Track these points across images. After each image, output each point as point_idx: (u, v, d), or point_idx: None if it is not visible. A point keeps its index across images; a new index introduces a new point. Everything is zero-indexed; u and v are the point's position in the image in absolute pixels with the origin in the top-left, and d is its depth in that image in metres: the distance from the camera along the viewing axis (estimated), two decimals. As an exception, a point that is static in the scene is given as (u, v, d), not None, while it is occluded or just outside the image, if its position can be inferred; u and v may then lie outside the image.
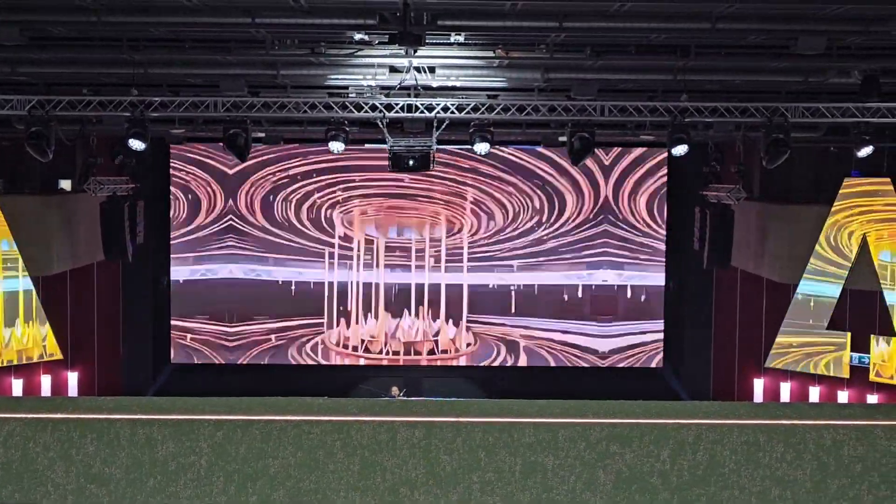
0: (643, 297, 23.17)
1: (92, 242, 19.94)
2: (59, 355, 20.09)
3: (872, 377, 19.08)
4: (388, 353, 23.24)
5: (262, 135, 19.85)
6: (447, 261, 23.09)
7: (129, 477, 6.62)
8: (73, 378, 20.69)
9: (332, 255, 23.01)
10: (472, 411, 6.77)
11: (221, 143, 17.14)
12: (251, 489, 6.59)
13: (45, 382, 20.16)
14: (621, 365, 23.25)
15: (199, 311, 23.07)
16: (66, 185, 20.78)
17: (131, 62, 14.50)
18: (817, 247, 19.62)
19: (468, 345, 23.27)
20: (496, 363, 23.30)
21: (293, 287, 23.09)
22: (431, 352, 23.23)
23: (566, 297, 23.15)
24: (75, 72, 15.34)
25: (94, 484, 6.64)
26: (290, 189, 22.75)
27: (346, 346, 23.22)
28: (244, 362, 23.13)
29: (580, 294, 23.15)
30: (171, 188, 22.71)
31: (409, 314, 23.19)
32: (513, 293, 23.18)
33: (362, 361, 23.28)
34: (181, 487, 6.64)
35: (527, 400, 6.99)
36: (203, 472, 6.61)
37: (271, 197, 22.77)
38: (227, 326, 23.08)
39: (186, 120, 18.09)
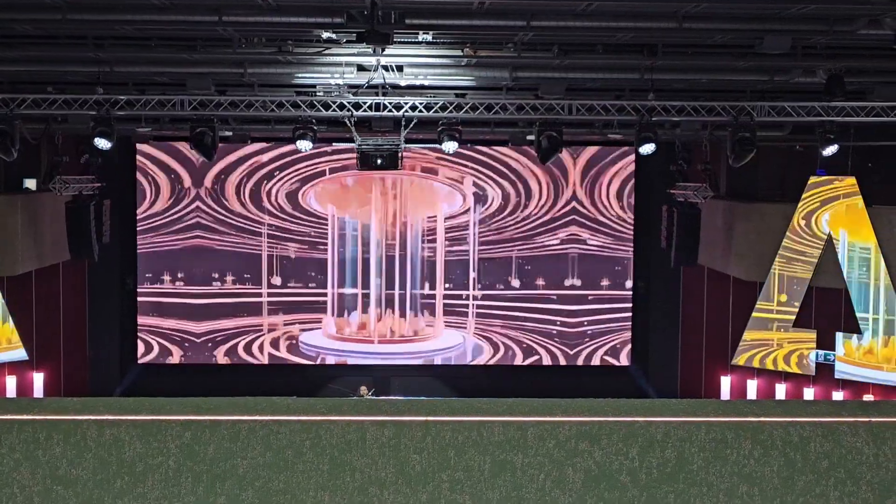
0: (611, 296, 23.25)
1: (57, 242, 19.80)
2: (24, 355, 19.92)
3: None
4: (361, 347, 23.20)
5: (230, 133, 19.78)
6: (407, 257, 23.08)
7: (96, 478, 6.57)
8: (38, 379, 20.53)
9: (300, 250, 22.95)
10: (442, 410, 6.75)
11: (188, 142, 17.06)
12: (220, 489, 6.56)
13: (11, 383, 19.97)
14: (589, 363, 23.32)
15: (168, 308, 22.94)
16: (31, 184, 20.62)
17: (97, 60, 14.41)
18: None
19: (443, 349, 23.27)
20: (465, 357, 23.31)
21: (261, 284, 23.00)
22: (406, 341, 23.24)
23: (533, 295, 23.18)
24: (40, 70, 15.23)
25: (61, 485, 6.58)
26: (258, 185, 22.65)
27: (323, 340, 23.18)
28: (212, 362, 23.03)
29: (547, 292, 23.19)
30: (138, 187, 22.57)
31: (382, 306, 23.17)
32: (479, 291, 23.19)
33: (332, 360, 23.22)
34: (149, 488, 6.59)
35: (496, 398, 6.98)
36: (171, 472, 6.56)
37: (239, 194, 22.67)
38: (195, 325, 22.96)
39: (153, 118, 18.01)
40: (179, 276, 22.84)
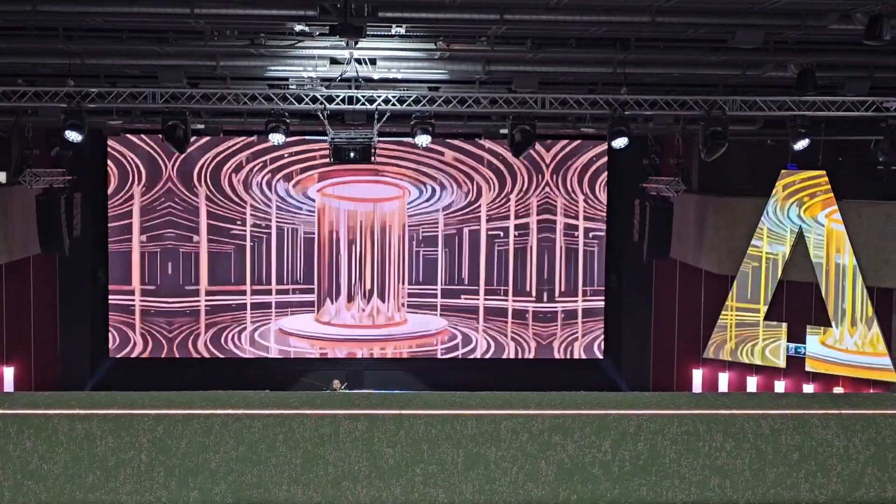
0: (583, 289, 23.31)
1: (28, 236, 19.66)
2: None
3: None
4: (337, 339, 23.19)
5: (202, 126, 19.70)
6: (377, 249, 23.08)
7: (67, 473, 6.54)
8: (9, 373, 20.38)
9: (279, 242, 22.89)
10: (415, 404, 6.76)
11: (160, 135, 16.98)
12: (192, 484, 6.54)
13: (-20, 378, 19.86)
14: (562, 356, 23.37)
15: (139, 301, 22.82)
16: (0, 177, 20.45)
17: (67, 52, 14.31)
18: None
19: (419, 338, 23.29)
20: (441, 350, 23.32)
21: (239, 277, 22.93)
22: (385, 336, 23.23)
23: (505, 288, 23.21)
24: (10, 62, 15.09)
25: (32, 480, 6.54)
26: (232, 177, 22.57)
27: (300, 334, 23.14)
28: (184, 356, 22.92)
29: (521, 287, 23.23)
30: (109, 180, 22.43)
31: (360, 298, 23.15)
32: (454, 285, 23.20)
33: (311, 352, 23.20)
34: (121, 483, 6.57)
35: (469, 392, 7.00)
36: (143, 467, 6.54)
37: (212, 186, 22.57)
38: (167, 318, 22.86)
39: (124, 111, 17.89)
40: (152, 270, 22.73)
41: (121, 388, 7.43)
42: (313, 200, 22.77)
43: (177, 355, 22.95)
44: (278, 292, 23.01)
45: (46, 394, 6.97)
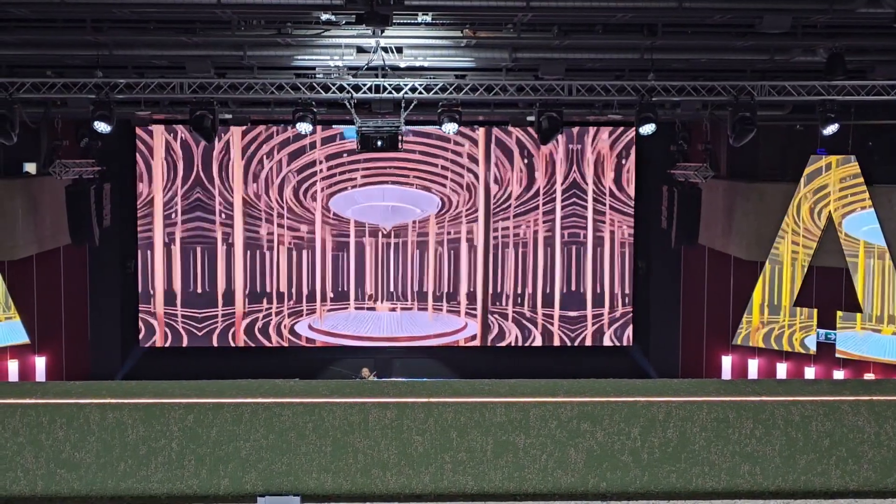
0: (612, 276, 23.26)
1: (58, 226, 19.79)
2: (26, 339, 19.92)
3: None
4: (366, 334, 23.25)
5: (230, 116, 19.77)
6: (411, 239, 23.09)
7: (99, 461, 6.59)
8: (40, 363, 20.54)
9: (303, 236, 22.96)
10: (444, 391, 6.78)
11: (188, 125, 17.05)
12: (223, 472, 6.58)
13: (13, 367, 19.99)
14: (590, 343, 23.35)
15: (169, 291, 22.94)
16: (30, 168, 20.59)
17: (95, 44, 14.39)
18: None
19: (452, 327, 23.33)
20: (468, 340, 23.34)
21: (265, 268, 23.01)
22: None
23: (534, 276, 23.20)
24: (39, 54, 15.20)
25: (64, 469, 6.60)
26: (261, 169, 22.64)
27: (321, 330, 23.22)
28: (214, 345, 23.03)
29: (549, 273, 23.21)
30: (138, 170, 22.54)
31: (385, 294, 23.20)
32: (479, 273, 23.21)
33: (342, 342, 23.26)
34: (152, 471, 6.62)
35: (497, 380, 7.01)
36: (174, 455, 6.59)
37: (242, 177, 22.65)
38: (196, 308, 22.97)
39: (152, 102, 17.99)
40: (182, 261, 22.83)
41: (151, 377, 7.48)
42: (343, 201, 22.82)
43: (207, 345, 23.06)
44: (296, 291, 23.10)
45: (78, 383, 7.04)
